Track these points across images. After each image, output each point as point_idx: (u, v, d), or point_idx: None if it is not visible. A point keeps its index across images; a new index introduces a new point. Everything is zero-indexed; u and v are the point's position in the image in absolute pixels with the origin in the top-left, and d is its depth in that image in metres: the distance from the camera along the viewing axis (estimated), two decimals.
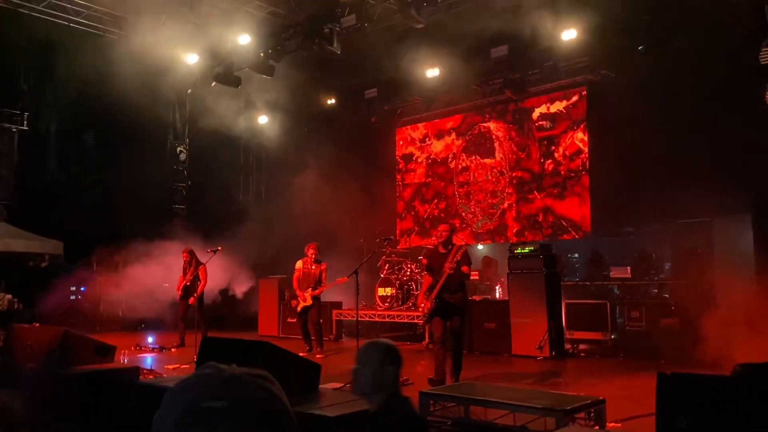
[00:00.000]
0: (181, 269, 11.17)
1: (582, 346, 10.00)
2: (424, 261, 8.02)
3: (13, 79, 14.02)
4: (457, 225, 14.47)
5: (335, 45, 11.85)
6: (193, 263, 10.96)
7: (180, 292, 10.98)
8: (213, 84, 13.43)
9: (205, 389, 0.86)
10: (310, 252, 9.99)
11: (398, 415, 2.66)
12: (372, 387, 2.69)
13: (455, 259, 7.07)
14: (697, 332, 8.08)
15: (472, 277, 11.63)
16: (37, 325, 7.40)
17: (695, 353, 7.83)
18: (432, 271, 7.45)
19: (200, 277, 10.82)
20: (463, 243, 8.36)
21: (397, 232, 15.39)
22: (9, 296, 12.61)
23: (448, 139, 15.01)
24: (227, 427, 0.82)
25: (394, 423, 2.65)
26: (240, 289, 13.65)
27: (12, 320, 10.46)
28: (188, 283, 10.88)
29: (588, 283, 11.27)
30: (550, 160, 13.19)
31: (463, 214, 14.50)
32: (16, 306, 12.59)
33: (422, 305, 7.44)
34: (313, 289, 9.87)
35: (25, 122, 14.24)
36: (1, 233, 13.15)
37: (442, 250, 7.44)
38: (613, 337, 9.74)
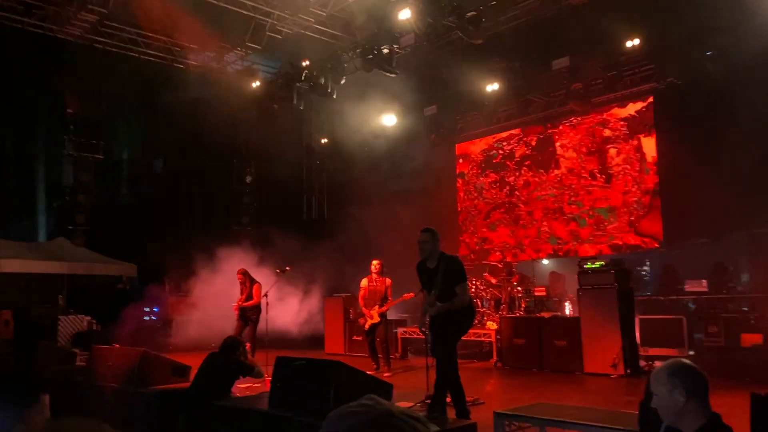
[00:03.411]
0: (239, 290, 11.37)
1: (658, 364, 9.64)
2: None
3: (90, 111, 14.74)
4: (525, 242, 14.26)
5: (394, 65, 11.97)
6: (247, 283, 11.15)
7: (237, 312, 11.16)
8: (276, 107, 13.77)
9: (361, 420, 0.94)
10: (375, 268, 10.02)
11: None
12: (670, 415, 2.36)
13: (439, 291, 5.77)
14: None
15: (537, 293, 11.46)
16: (117, 346, 7.68)
17: None
18: (425, 290, 6.15)
19: (253, 295, 10.99)
20: (455, 255, 6.59)
21: (460, 248, 15.29)
22: (88, 318, 13.16)
23: (509, 153, 14.85)
24: None
25: None
26: (305, 308, 13.82)
27: (91, 341, 10.92)
28: (243, 304, 11.04)
29: (662, 298, 10.87)
30: (618, 170, 12.87)
31: (526, 229, 14.28)
32: (94, 327, 13.12)
33: (424, 329, 6.31)
34: (380, 306, 9.88)
35: (101, 151, 14.91)
36: (81, 258, 13.76)
37: (430, 265, 6.05)
38: (691, 353, 9.35)
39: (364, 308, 10.03)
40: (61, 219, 15.25)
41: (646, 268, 12.41)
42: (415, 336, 11.97)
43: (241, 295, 11.22)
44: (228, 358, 6.17)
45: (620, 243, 12.65)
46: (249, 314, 10.97)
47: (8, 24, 12.15)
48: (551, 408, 4.98)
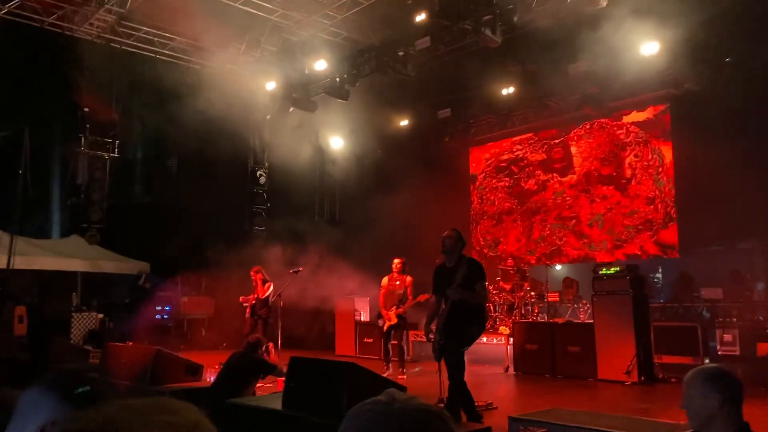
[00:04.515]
0: (253, 289, 11.39)
1: (672, 371, 9.55)
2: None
3: (105, 109, 14.81)
4: (539, 247, 14.18)
5: (409, 68, 11.94)
6: (260, 281, 11.16)
7: (249, 310, 11.17)
8: (291, 109, 13.78)
9: (380, 414, 0.92)
10: (396, 267, 9.76)
11: None
12: (701, 422, 2.30)
13: (460, 278, 5.72)
14: None
15: (551, 299, 11.39)
16: (131, 344, 7.72)
17: None
18: (439, 292, 6.10)
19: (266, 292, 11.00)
20: (474, 258, 6.69)
21: (472, 253, 15.24)
22: (101, 316, 13.23)
23: (523, 158, 14.80)
24: None
25: None
26: (317, 309, 13.81)
27: (103, 339, 10.98)
28: (254, 303, 11.04)
29: (677, 305, 10.78)
30: (632, 176, 12.79)
31: (540, 235, 14.20)
32: (107, 325, 13.19)
33: (430, 336, 6.19)
34: (397, 307, 9.76)
35: (116, 149, 15.00)
36: (95, 255, 13.83)
37: (448, 264, 6.07)
38: (706, 361, 9.25)
39: (383, 309, 9.89)
40: (75, 216, 15.32)
41: (658, 275, 12.32)
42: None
43: (254, 294, 11.25)
44: (250, 356, 6.27)
45: (638, 252, 12.54)
46: (260, 312, 10.98)
47: (25, 23, 12.26)
48: (566, 414, 4.94)
